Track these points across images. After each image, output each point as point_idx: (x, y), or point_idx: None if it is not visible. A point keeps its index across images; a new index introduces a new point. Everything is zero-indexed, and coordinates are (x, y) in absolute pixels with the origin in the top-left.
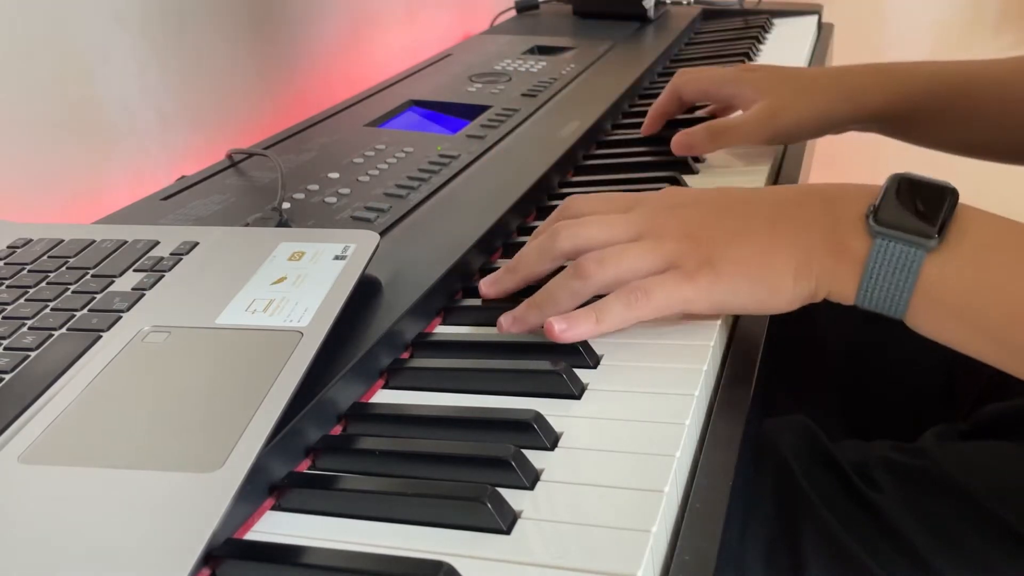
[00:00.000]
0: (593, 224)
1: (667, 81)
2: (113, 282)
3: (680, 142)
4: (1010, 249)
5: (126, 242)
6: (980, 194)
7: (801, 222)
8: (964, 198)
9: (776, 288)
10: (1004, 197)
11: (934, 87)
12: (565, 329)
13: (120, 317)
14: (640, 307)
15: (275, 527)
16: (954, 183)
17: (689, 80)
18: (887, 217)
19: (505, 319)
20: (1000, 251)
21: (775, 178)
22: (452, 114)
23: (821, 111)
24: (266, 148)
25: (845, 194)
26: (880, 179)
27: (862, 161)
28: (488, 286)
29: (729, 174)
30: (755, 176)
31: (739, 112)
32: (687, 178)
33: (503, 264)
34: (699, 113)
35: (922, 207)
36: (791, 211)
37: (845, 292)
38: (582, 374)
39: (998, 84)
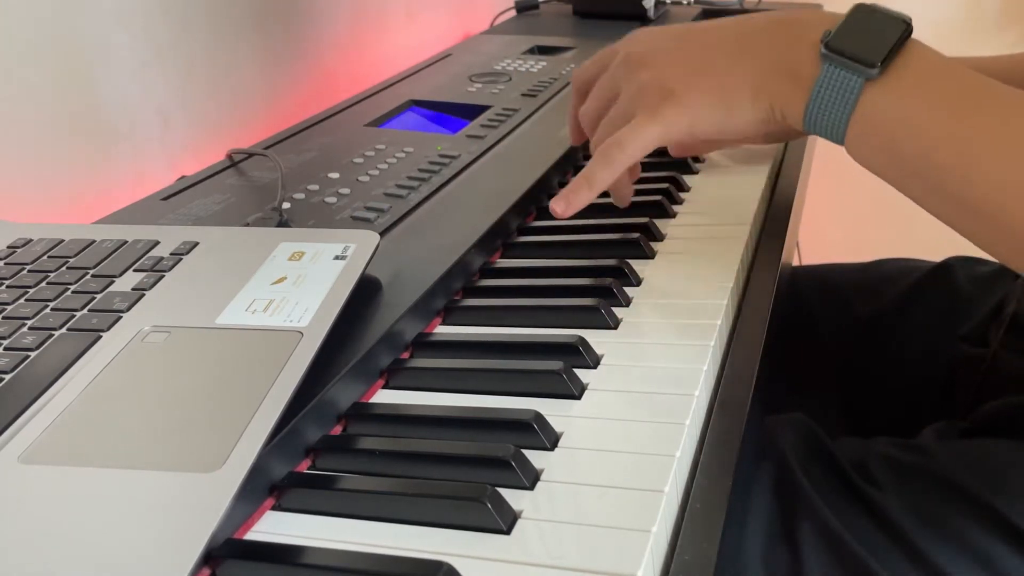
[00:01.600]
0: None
1: None
2: (113, 282)
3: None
4: (944, 86)
5: (126, 242)
6: None
7: (760, 46)
8: None
9: (733, 109)
10: None
11: None
12: (566, 206)
13: (120, 317)
14: (619, 160)
15: (275, 527)
16: None
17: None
18: (837, 44)
19: (558, 205)
20: (934, 86)
21: (775, 177)
22: (452, 114)
23: None
24: (266, 148)
25: (805, 20)
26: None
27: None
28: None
29: (729, 174)
30: (755, 176)
31: None
32: (688, 178)
33: (505, 263)
34: None
35: (872, 37)
36: (751, 37)
37: (795, 115)
38: (582, 374)
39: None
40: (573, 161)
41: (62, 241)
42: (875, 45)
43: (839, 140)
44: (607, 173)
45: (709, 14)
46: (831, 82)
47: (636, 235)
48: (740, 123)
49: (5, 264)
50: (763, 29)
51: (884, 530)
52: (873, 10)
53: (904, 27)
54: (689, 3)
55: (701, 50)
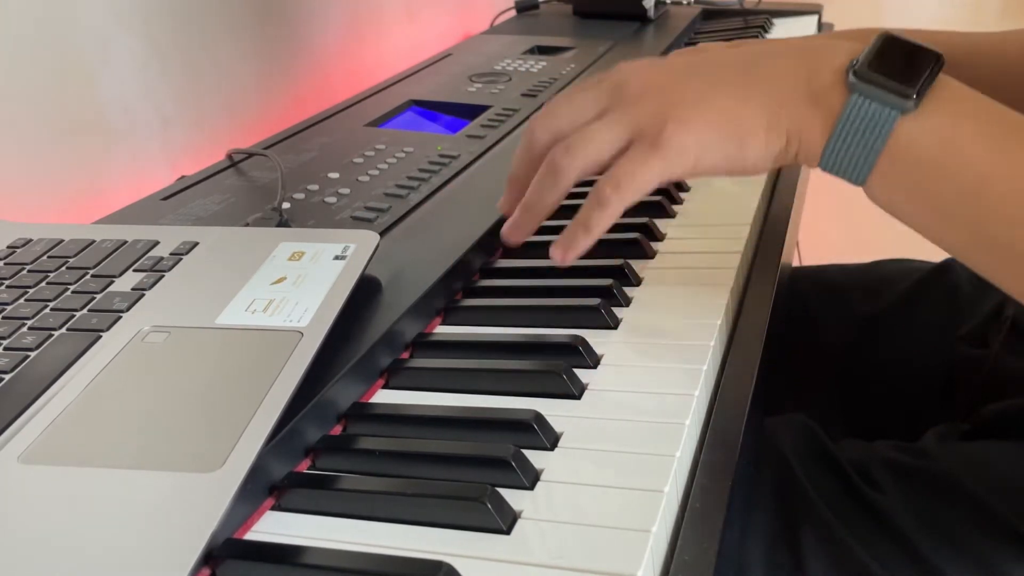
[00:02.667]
0: (562, 106)
1: None
2: (113, 282)
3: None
4: (980, 124)
5: (126, 242)
6: None
7: (776, 73)
8: None
9: (746, 142)
10: None
11: None
12: (566, 252)
13: (120, 317)
14: (614, 202)
15: (275, 527)
16: None
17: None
18: (867, 72)
19: (508, 231)
20: (971, 125)
21: (775, 178)
22: (452, 114)
23: None
24: (266, 148)
25: (826, 46)
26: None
27: None
28: (512, 232)
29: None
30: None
31: None
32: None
33: (504, 263)
34: None
35: (905, 68)
36: (766, 62)
37: (812, 150)
38: (582, 374)
39: (1000, 55)
40: None
41: (62, 241)
42: (908, 75)
43: (860, 181)
44: (604, 217)
45: (709, 14)
46: (860, 114)
47: (636, 235)
48: (752, 158)
49: (5, 264)
50: (780, 54)
51: (885, 532)
52: (902, 39)
53: (936, 57)
54: (689, 3)
55: (709, 76)
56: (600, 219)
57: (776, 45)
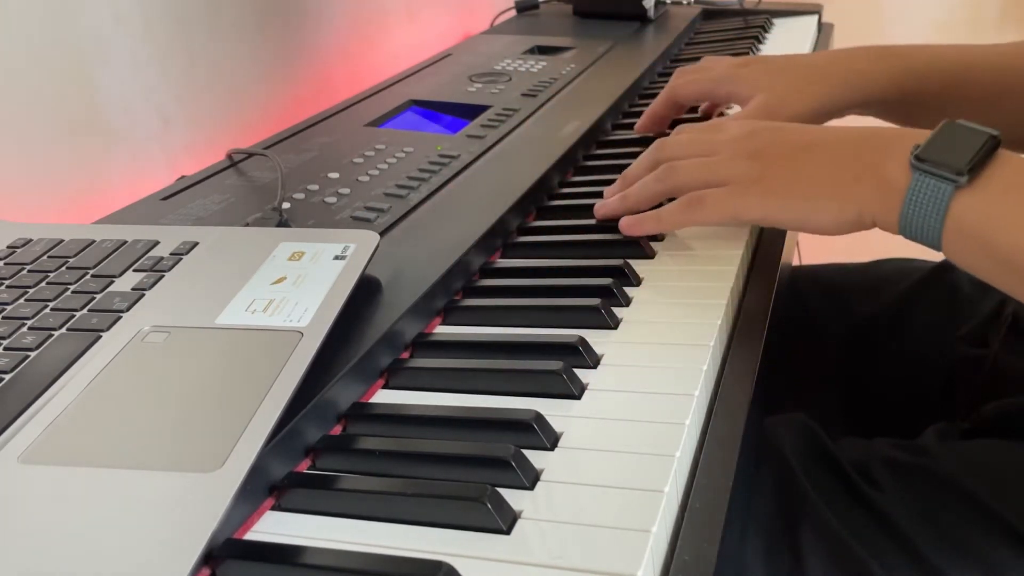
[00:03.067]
0: (693, 138)
1: (667, 81)
2: (113, 282)
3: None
4: None
5: (126, 242)
6: None
7: (854, 153)
8: None
9: (818, 207)
10: None
11: (933, 70)
12: (632, 225)
13: (120, 317)
14: (694, 213)
15: (275, 527)
16: None
17: (685, 84)
18: (927, 155)
19: (600, 206)
20: (1017, 195)
21: None
22: (452, 114)
23: (818, 101)
24: (266, 148)
25: (896, 135)
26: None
27: None
28: (602, 208)
29: None
30: None
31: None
32: None
33: (504, 263)
34: (698, 111)
35: (960, 148)
36: (849, 144)
37: (889, 220)
38: (582, 374)
39: (998, 69)
40: (573, 161)
41: (62, 241)
42: (962, 155)
43: (936, 246)
44: (680, 220)
45: (709, 14)
46: (922, 190)
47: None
48: (822, 222)
49: (5, 264)
50: (858, 138)
51: (884, 531)
52: (960, 125)
53: (988, 138)
54: (689, 3)
55: (800, 146)
56: (676, 221)
57: (860, 130)
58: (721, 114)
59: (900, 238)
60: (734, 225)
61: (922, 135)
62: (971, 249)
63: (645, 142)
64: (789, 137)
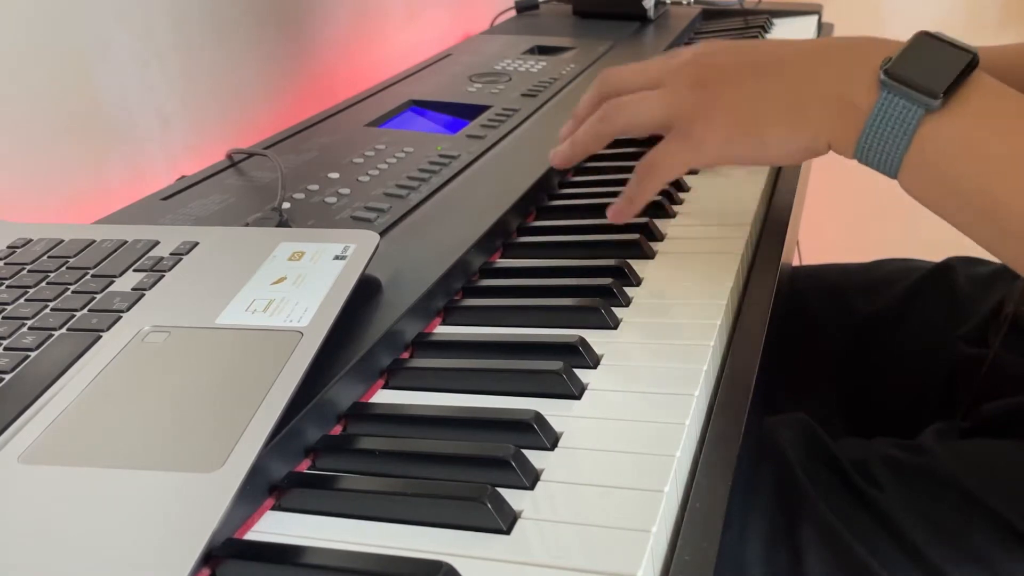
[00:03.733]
0: (634, 68)
1: None
2: (113, 282)
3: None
4: (1004, 120)
5: (126, 242)
6: None
7: (811, 68)
8: None
9: (766, 137)
10: None
11: None
12: (615, 217)
13: (120, 317)
14: (650, 180)
15: (275, 527)
16: None
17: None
18: (898, 71)
19: (554, 157)
20: (996, 120)
21: (775, 177)
22: (452, 114)
23: None
24: (266, 148)
25: (863, 45)
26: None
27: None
28: (557, 157)
29: (729, 174)
30: (755, 175)
31: None
32: (688, 178)
33: (504, 263)
34: None
35: (936, 66)
36: (805, 57)
37: (844, 144)
38: (582, 374)
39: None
40: None
41: (62, 241)
42: (939, 74)
43: (892, 173)
44: (644, 192)
45: (709, 14)
46: (888, 112)
47: (636, 235)
48: (776, 152)
49: (5, 264)
50: (817, 50)
51: (885, 530)
52: (937, 38)
53: (969, 58)
54: (689, 3)
55: (746, 67)
56: (641, 193)
57: (815, 43)
58: None
59: (900, 238)
60: (695, 168)
61: (894, 47)
62: (931, 181)
63: (645, 142)
64: (738, 58)
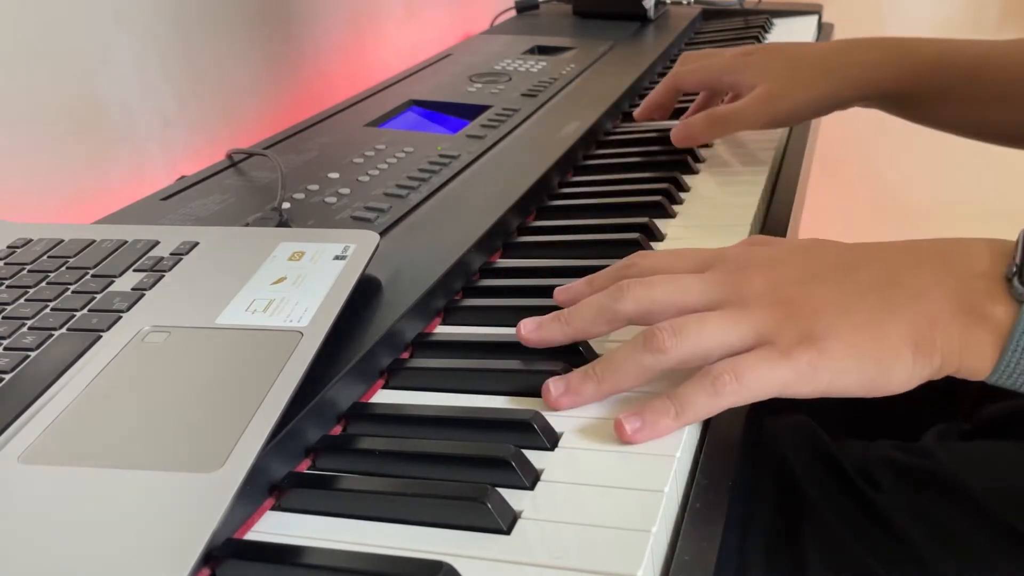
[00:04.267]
0: (665, 284)
1: None
2: (113, 282)
3: (680, 133)
4: None
5: (126, 242)
6: (980, 178)
7: (919, 286)
8: (963, 182)
9: (891, 367)
10: (1002, 180)
11: (942, 65)
12: (639, 428)
13: (120, 317)
14: (729, 394)
15: (275, 527)
16: (954, 166)
17: (689, 72)
18: None
19: (556, 388)
20: None
21: (775, 177)
22: (452, 114)
23: (822, 91)
24: (266, 148)
25: (968, 250)
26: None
27: (862, 162)
28: (531, 331)
29: (729, 174)
30: (755, 175)
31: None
32: (687, 178)
33: (504, 263)
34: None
35: None
36: (905, 273)
37: (979, 367)
38: None
39: (1004, 66)
40: (573, 161)
41: (62, 241)
42: None
43: None
44: (707, 407)
45: (709, 14)
46: None
47: (636, 235)
48: (894, 383)
49: (5, 264)
50: (911, 263)
51: (885, 532)
52: None
53: None
54: (689, 3)
55: (842, 285)
56: (706, 408)
57: (906, 251)
58: (721, 101)
59: (901, 237)
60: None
61: (1004, 248)
62: None
63: (645, 142)
64: (822, 271)
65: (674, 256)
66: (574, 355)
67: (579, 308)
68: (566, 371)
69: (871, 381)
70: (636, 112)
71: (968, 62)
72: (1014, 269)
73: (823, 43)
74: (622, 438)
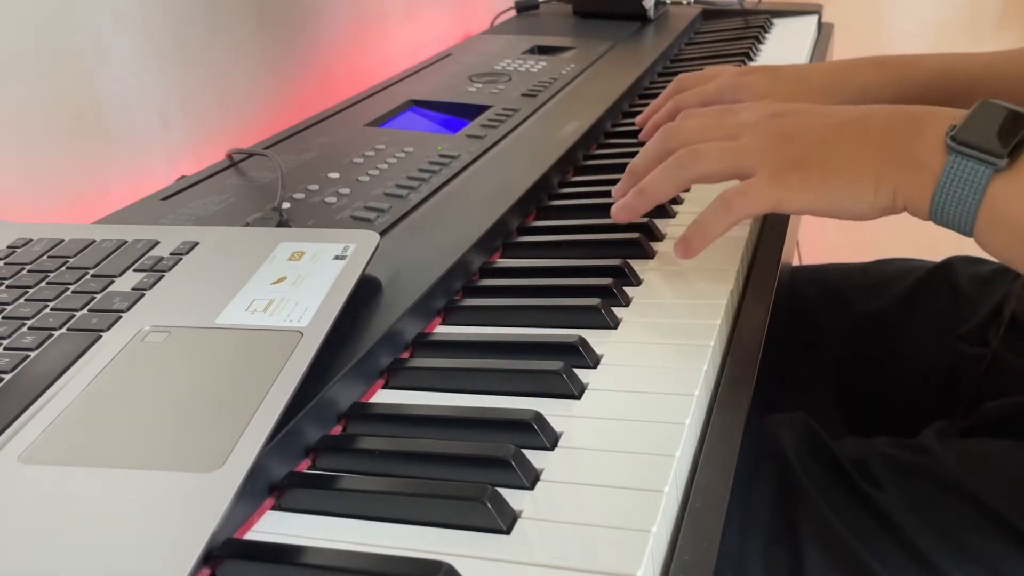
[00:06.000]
0: (696, 121)
1: (667, 81)
2: (113, 282)
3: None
4: None
5: (126, 242)
6: None
7: (887, 135)
8: None
9: (858, 194)
10: None
11: (936, 80)
12: (685, 252)
13: (120, 317)
14: (737, 210)
15: (275, 527)
16: None
17: (688, 97)
18: (964, 136)
19: (617, 210)
20: None
21: None
22: (452, 114)
23: None
24: (266, 148)
25: (929, 114)
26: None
27: None
28: (620, 211)
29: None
30: None
31: None
32: None
33: (504, 263)
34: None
35: (999, 130)
36: (880, 124)
37: (920, 205)
38: (582, 374)
39: (1003, 77)
40: (573, 161)
41: (62, 241)
42: (1002, 138)
43: (967, 232)
44: (726, 222)
45: (709, 14)
46: (957, 173)
47: (636, 235)
48: (859, 208)
49: (5, 264)
50: (889, 118)
51: (885, 530)
52: (998, 105)
53: None
54: (689, 3)
55: (830, 128)
56: (722, 223)
57: (881, 111)
58: None
59: (900, 238)
60: (772, 212)
61: (956, 114)
62: (1006, 237)
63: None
64: (816, 120)
65: (712, 115)
66: (574, 355)
67: (649, 180)
68: (566, 370)
69: (840, 203)
70: (638, 119)
71: (966, 75)
72: (952, 128)
73: (822, 64)
74: (678, 257)
